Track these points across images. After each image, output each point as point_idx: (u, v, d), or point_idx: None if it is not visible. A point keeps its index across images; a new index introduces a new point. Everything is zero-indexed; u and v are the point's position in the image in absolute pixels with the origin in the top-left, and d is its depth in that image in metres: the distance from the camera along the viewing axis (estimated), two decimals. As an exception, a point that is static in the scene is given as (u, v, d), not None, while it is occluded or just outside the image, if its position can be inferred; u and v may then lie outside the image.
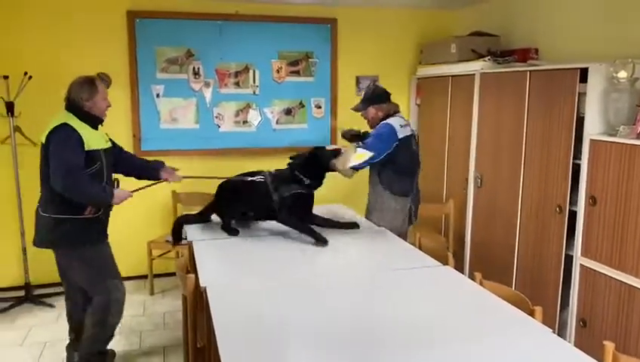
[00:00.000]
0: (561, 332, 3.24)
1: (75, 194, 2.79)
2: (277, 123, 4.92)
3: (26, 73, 4.10)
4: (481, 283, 2.44)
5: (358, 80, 5.03)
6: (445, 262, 2.73)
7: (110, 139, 3.15)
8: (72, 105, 2.90)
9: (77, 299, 3.18)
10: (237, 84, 4.77)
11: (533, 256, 3.54)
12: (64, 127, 2.80)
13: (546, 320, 2.10)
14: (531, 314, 2.13)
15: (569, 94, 3.17)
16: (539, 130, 3.44)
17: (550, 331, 1.98)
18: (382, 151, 3.22)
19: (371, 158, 3.17)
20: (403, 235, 3.35)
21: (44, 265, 4.40)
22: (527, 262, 3.59)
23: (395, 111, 3.44)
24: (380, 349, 1.87)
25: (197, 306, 2.52)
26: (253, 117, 4.86)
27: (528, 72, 3.52)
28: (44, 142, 2.85)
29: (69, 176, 2.73)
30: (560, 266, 3.29)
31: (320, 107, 4.99)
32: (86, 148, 2.81)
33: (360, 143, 3.26)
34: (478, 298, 2.31)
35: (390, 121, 3.33)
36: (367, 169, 3.38)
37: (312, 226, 3.11)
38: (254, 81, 4.81)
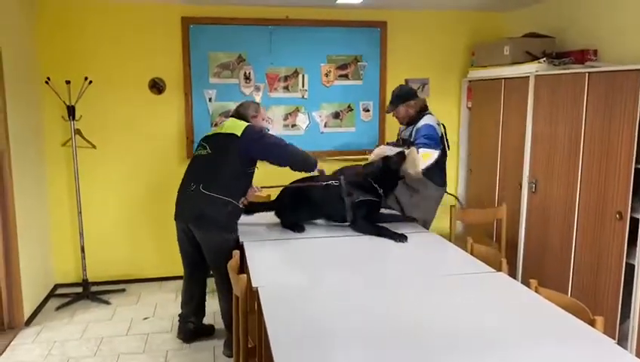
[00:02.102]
0: (621, 345, 3.08)
1: (300, 160, 3.34)
2: (325, 126, 4.94)
3: (86, 78, 4.28)
4: (536, 291, 2.37)
5: (407, 83, 4.98)
6: (498, 269, 2.67)
7: None
8: (241, 117, 3.46)
9: (201, 278, 3.63)
10: (286, 88, 4.82)
11: (590, 265, 3.40)
12: (255, 126, 3.38)
13: (606, 332, 2.02)
14: (591, 323, 2.05)
15: (631, 96, 3.04)
16: (598, 133, 3.32)
17: (613, 342, 1.91)
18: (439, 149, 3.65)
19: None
20: (429, 222, 3.79)
21: (101, 263, 4.62)
22: (585, 270, 3.46)
23: (425, 105, 3.82)
24: (433, 355, 1.84)
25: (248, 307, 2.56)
26: (302, 120, 4.90)
27: (587, 74, 3.40)
28: (238, 134, 3.26)
29: (288, 149, 3.29)
30: (620, 275, 3.16)
31: (368, 110, 4.98)
32: None
33: (417, 145, 3.57)
34: (534, 305, 2.25)
35: (429, 121, 3.69)
36: None
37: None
38: (303, 85, 4.84)
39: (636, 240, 3.03)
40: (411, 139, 3.73)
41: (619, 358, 1.83)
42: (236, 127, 3.32)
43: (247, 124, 3.34)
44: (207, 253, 3.35)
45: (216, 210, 3.22)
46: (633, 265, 3.06)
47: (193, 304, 3.63)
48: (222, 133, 3.36)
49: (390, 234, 3.20)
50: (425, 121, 3.71)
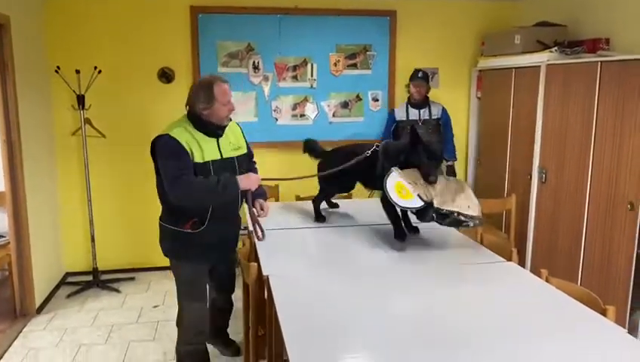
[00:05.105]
0: (632, 335, 3.09)
1: (190, 201, 2.59)
2: (333, 116, 4.92)
3: (95, 67, 4.29)
4: (547, 280, 2.37)
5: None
6: (508, 258, 2.66)
7: (248, 145, 2.93)
8: (191, 113, 2.67)
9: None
10: (295, 77, 4.80)
11: (601, 255, 3.39)
12: (162, 138, 2.59)
13: (616, 322, 2.02)
14: (603, 313, 2.05)
15: (644, 86, 3.01)
16: (610, 123, 3.29)
17: (625, 331, 1.91)
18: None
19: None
20: None
21: (111, 252, 4.65)
22: (595, 260, 3.45)
23: None
24: (444, 343, 1.85)
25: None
26: (310, 110, 4.89)
27: (599, 63, 3.37)
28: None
29: (174, 185, 2.54)
30: (631, 266, 3.15)
31: (377, 100, 4.96)
32: (192, 161, 2.57)
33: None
34: (546, 295, 2.25)
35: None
36: None
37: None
38: (312, 75, 4.83)
39: (647, 230, 3.02)
40: (435, 118, 4.52)
41: (631, 347, 1.83)
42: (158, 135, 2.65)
43: (159, 134, 2.62)
44: None
45: (161, 238, 2.84)
46: (644, 256, 3.05)
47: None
48: None
49: (395, 227, 2.85)
50: (447, 112, 4.58)
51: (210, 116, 2.62)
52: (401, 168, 2.71)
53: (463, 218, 2.60)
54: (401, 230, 2.86)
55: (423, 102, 4.52)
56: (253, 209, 2.84)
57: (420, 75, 4.46)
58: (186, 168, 2.53)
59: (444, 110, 4.58)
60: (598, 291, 3.22)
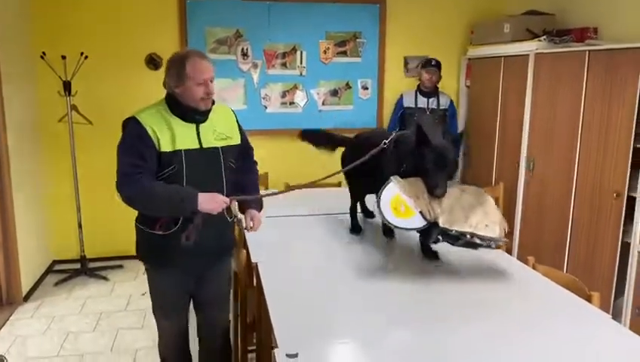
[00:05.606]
0: (616, 321, 3.14)
1: (140, 205, 2.21)
2: (323, 104, 4.91)
3: (82, 53, 4.23)
4: (534, 268, 2.39)
5: (406, 60, 4.96)
6: (496, 246, 2.68)
7: (244, 137, 2.47)
8: (168, 93, 2.26)
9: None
10: (284, 65, 4.78)
11: (587, 243, 3.43)
12: (127, 122, 2.20)
13: (600, 308, 2.06)
14: (588, 299, 2.08)
15: (631, 75, 3.03)
16: (597, 112, 3.31)
17: (609, 317, 1.94)
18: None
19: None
20: None
21: (98, 240, 4.62)
22: (580, 248, 3.49)
23: None
24: (431, 327, 1.87)
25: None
26: (300, 98, 4.87)
27: (587, 52, 3.39)
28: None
29: (123, 183, 2.16)
30: (616, 254, 3.19)
31: (367, 88, 4.95)
32: (159, 150, 2.16)
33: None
34: (532, 282, 2.28)
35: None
36: None
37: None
38: (301, 62, 4.80)
39: (632, 218, 3.05)
40: (442, 108, 4.54)
41: (614, 332, 1.87)
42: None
43: (126, 118, 2.22)
44: None
45: (135, 242, 2.46)
46: (629, 243, 3.09)
47: None
48: None
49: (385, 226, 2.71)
50: (454, 104, 4.64)
51: (184, 97, 2.19)
52: (408, 172, 2.30)
53: (478, 241, 2.16)
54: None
55: (433, 91, 4.54)
56: (242, 219, 2.43)
57: (433, 63, 4.49)
58: (143, 166, 2.13)
59: (451, 102, 4.62)
60: (583, 278, 3.26)
